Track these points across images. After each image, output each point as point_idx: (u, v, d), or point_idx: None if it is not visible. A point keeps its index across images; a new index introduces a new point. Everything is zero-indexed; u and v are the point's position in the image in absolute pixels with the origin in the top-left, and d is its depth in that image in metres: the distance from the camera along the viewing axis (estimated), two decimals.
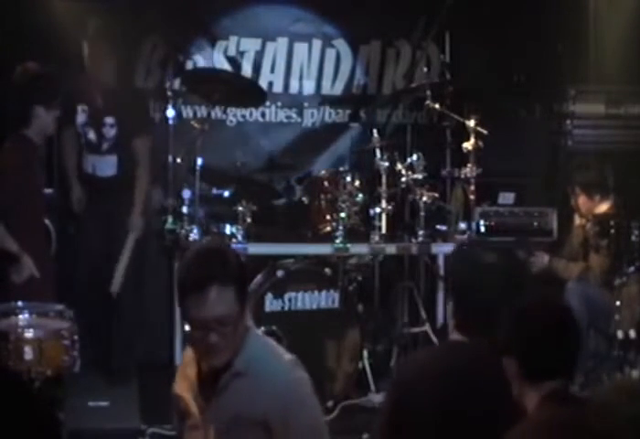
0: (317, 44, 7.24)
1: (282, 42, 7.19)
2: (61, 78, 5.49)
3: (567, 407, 2.62)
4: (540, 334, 2.64)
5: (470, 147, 6.01)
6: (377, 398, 5.67)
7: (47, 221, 5.58)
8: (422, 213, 5.90)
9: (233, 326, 2.82)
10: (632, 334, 5.69)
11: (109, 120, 6.05)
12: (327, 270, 5.79)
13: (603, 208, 6.11)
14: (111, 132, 6.06)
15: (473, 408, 2.82)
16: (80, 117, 6.07)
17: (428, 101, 6.32)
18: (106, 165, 6.10)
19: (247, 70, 7.10)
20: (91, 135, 6.08)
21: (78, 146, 6.15)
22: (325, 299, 5.68)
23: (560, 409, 2.61)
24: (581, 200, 6.19)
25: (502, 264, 3.00)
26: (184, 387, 3.02)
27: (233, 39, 7.09)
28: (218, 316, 2.78)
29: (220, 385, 2.89)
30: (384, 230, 5.83)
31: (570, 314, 2.72)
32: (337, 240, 5.73)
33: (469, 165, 6.04)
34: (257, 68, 7.14)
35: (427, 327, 6.21)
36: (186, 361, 3.05)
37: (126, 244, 6.04)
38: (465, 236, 6.02)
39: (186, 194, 5.97)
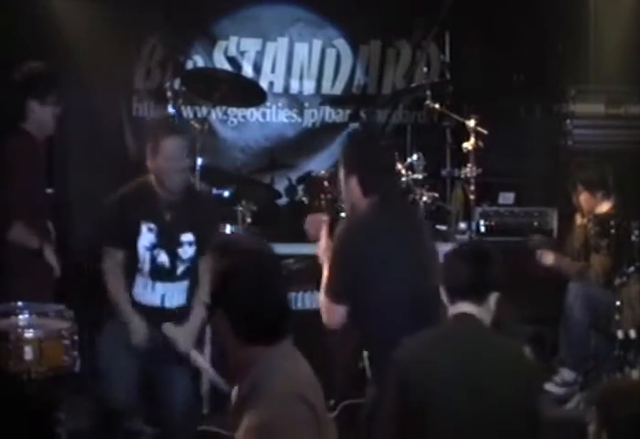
0: (317, 44, 7.25)
1: (283, 42, 7.20)
2: (59, 75, 5.37)
3: (470, 324, 3.37)
4: (457, 266, 3.44)
5: (470, 147, 6.02)
6: None
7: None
8: (422, 213, 5.90)
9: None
10: (632, 334, 5.69)
11: (187, 237, 4.79)
12: None
13: (605, 207, 6.10)
14: (189, 252, 4.78)
15: None
16: (146, 238, 4.72)
17: (428, 101, 6.32)
18: (178, 294, 4.82)
19: (247, 71, 7.11)
20: (163, 258, 4.76)
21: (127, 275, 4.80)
22: None
23: (464, 324, 3.39)
24: (584, 197, 6.17)
25: None
26: None
27: (233, 39, 7.11)
28: None
29: None
30: None
31: (488, 252, 3.49)
32: None
33: (469, 165, 6.04)
34: (257, 68, 7.15)
35: None
36: None
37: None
38: (466, 236, 6.02)
39: None
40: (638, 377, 5.47)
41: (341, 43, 7.28)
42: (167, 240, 4.75)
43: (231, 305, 2.61)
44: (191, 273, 4.80)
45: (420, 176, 5.95)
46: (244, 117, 7.15)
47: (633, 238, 5.75)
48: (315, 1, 7.21)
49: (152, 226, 4.73)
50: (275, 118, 7.24)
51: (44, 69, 5.01)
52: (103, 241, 4.77)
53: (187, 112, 6.91)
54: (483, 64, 7.16)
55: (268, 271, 2.67)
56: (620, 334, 5.69)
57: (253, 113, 7.17)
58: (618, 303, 5.75)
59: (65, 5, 6.43)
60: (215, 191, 6.32)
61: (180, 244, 4.77)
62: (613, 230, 5.84)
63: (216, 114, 6.93)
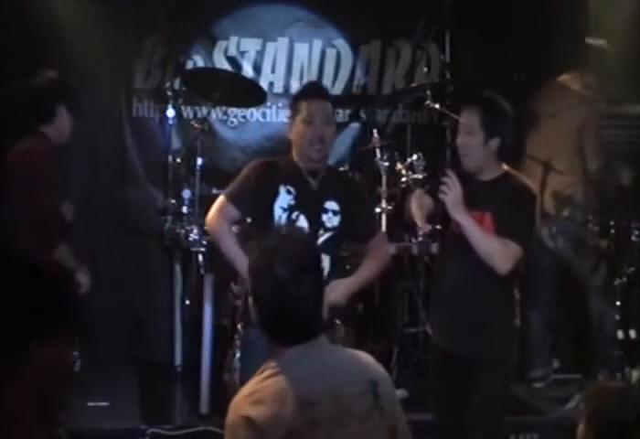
0: (317, 44, 7.24)
1: (283, 42, 7.19)
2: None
3: None
4: None
5: None
6: None
7: None
8: None
9: None
10: (632, 334, 5.69)
11: (331, 205, 4.38)
12: None
13: None
14: (334, 220, 4.36)
15: None
16: (284, 199, 4.32)
17: (428, 101, 6.32)
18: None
19: (247, 71, 7.10)
20: (302, 223, 4.31)
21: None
22: None
23: None
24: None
25: None
26: None
27: (233, 40, 7.09)
28: None
29: None
30: (384, 230, 5.83)
31: None
32: None
33: None
34: (257, 68, 7.14)
35: (427, 327, 6.21)
36: None
37: None
38: None
39: (186, 194, 5.98)
40: (627, 380, 5.49)
41: (341, 43, 7.27)
42: (309, 205, 4.32)
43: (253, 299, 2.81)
44: (334, 249, 4.36)
45: (420, 176, 5.95)
46: (244, 117, 7.14)
47: (633, 238, 5.76)
48: (315, 1, 7.19)
49: (291, 189, 4.33)
50: (275, 118, 7.22)
51: (65, 78, 5.02)
52: (226, 194, 4.39)
53: (187, 112, 6.90)
54: (483, 64, 7.15)
55: (282, 276, 2.72)
56: (620, 334, 5.70)
57: (253, 113, 7.16)
58: (618, 303, 5.77)
59: (65, 4, 6.43)
60: (215, 191, 6.33)
61: (324, 211, 4.34)
62: (612, 230, 5.85)
63: (216, 114, 6.92)
